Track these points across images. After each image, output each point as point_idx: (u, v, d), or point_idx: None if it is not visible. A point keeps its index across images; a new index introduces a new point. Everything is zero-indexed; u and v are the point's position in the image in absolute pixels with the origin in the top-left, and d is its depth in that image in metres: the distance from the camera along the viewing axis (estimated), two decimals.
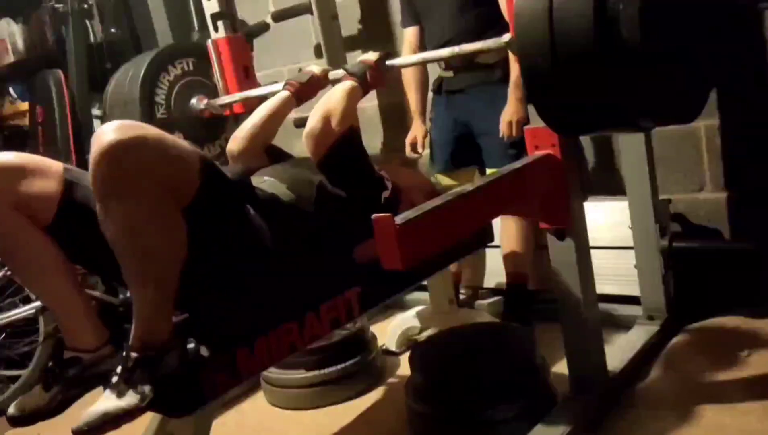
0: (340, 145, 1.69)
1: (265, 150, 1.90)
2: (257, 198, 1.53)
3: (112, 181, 1.21)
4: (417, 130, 2.66)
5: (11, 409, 1.37)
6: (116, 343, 1.45)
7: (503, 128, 2.35)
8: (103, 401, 1.24)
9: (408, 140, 2.68)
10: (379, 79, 1.93)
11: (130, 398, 1.24)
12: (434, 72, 2.62)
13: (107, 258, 1.28)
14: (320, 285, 1.60)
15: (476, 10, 2.35)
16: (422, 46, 2.57)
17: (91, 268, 1.69)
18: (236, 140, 1.88)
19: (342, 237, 1.63)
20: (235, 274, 1.43)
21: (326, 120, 1.68)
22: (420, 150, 2.65)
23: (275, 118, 1.92)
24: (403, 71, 2.65)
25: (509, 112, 2.33)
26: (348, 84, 1.81)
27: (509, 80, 2.33)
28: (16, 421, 1.37)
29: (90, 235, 1.32)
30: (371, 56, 1.93)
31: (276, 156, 1.88)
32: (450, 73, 2.49)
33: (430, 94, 2.66)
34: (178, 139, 1.32)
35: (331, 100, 1.73)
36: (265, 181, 1.63)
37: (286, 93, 1.96)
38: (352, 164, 1.72)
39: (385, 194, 1.68)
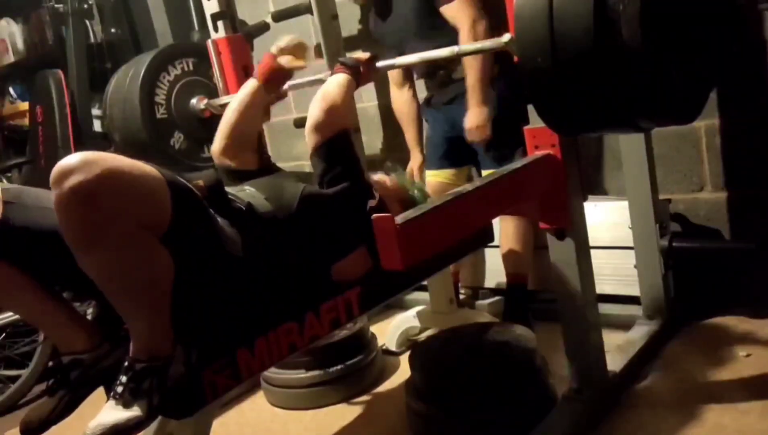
0: (341, 136, 1.68)
1: (256, 150, 1.89)
2: (229, 207, 1.51)
3: (84, 229, 1.16)
4: (414, 162, 2.72)
5: (20, 424, 1.36)
6: (112, 339, 1.44)
7: (469, 136, 2.38)
8: (108, 412, 1.23)
9: (407, 173, 2.72)
10: (369, 76, 1.93)
11: (138, 408, 1.23)
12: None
13: (63, 272, 1.26)
14: (296, 295, 1.58)
15: (438, 36, 2.30)
16: (407, 74, 2.65)
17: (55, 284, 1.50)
18: (216, 140, 1.89)
19: (321, 248, 1.61)
20: (210, 285, 1.41)
21: (330, 112, 1.67)
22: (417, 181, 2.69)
23: (246, 109, 1.89)
24: (394, 105, 2.75)
25: (470, 119, 2.36)
26: (343, 77, 1.80)
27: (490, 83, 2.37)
28: (28, 434, 1.36)
29: (38, 258, 1.31)
30: (362, 55, 1.93)
31: (266, 163, 1.89)
32: (435, 91, 2.57)
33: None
34: (142, 167, 1.23)
35: (330, 93, 1.73)
36: (244, 190, 1.62)
37: (252, 81, 1.93)
38: (347, 158, 1.70)
39: (371, 203, 1.66)
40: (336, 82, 1.77)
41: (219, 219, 1.44)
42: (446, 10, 2.30)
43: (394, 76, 2.68)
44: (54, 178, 1.15)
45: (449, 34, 2.27)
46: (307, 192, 1.63)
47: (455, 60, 2.32)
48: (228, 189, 1.58)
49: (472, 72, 2.32)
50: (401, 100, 2.70)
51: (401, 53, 2.53)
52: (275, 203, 1.59)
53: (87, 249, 1.19)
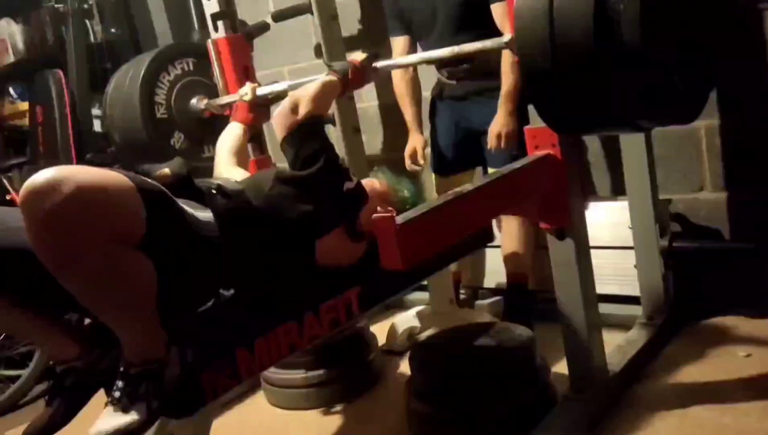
0: (306, 124, 1.65)
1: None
2: (198, 190, 1.51)
3: (60, 252, 1.14)
4: (415, 142, 2.62)
5: None
6: (106, 342, 1.43)
7: (491, 141, 2.35)
8: (107, 418, 1.23)
9: (407, 153, 2.63)
10: (361, 78, 1.92)
11: (137, 412, 1.23)
12: (426, 79, 2.62)
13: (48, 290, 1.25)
14: (280, 273, 1.55)
15: (473, 33, 2.24)
16: (413, 52, 2.56)
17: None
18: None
19: (297, 223, 1.58)
20: (195, 279, 1.40)
21: (294, 103, 1.67)
22: (420, 161, 2.60)
23: (235, 154, 2.08)
24: (396, 85, 2.64)
25: (498, 125, 2.33)
26: (326, 77, 1.81)
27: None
28: None
29: (15, 276, 1.30)
30: (358, 56, 1.93)
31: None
32: (453, 82, 2.49)
33: (427, 101, 2.65)
34: (112, 178, 1.19)
35: (305, 89, 1.73)
36: (216, 178, 1.64)
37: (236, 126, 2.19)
38: (316, 143, 1.67)
39: (348, 185, 1.64)
40: (316, 81, 1.78)
41: (190, 206, 1.43)
42: (498, 8, 2.24)
43: (399, 52, 2.56)
44: (23, 200, 1.11)
45: (487, 31, 2.18)
46: (279, 173, 1.62)
47: (485, 54, 2.22)
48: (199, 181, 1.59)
49: (508, 80, 2.29)
50: (404, 79, 2.60)
51: (417, 36, 2.50)
52: (247, 186, 1.61)
53: (64, 270, 1.17)
